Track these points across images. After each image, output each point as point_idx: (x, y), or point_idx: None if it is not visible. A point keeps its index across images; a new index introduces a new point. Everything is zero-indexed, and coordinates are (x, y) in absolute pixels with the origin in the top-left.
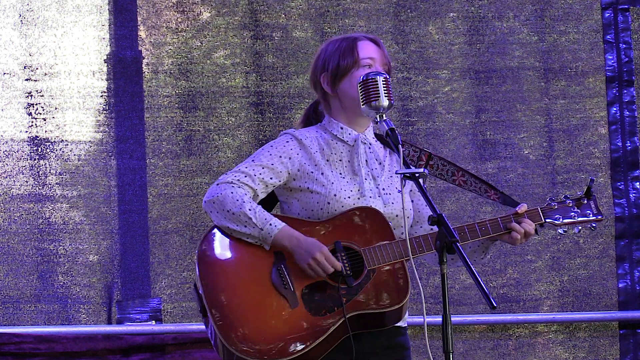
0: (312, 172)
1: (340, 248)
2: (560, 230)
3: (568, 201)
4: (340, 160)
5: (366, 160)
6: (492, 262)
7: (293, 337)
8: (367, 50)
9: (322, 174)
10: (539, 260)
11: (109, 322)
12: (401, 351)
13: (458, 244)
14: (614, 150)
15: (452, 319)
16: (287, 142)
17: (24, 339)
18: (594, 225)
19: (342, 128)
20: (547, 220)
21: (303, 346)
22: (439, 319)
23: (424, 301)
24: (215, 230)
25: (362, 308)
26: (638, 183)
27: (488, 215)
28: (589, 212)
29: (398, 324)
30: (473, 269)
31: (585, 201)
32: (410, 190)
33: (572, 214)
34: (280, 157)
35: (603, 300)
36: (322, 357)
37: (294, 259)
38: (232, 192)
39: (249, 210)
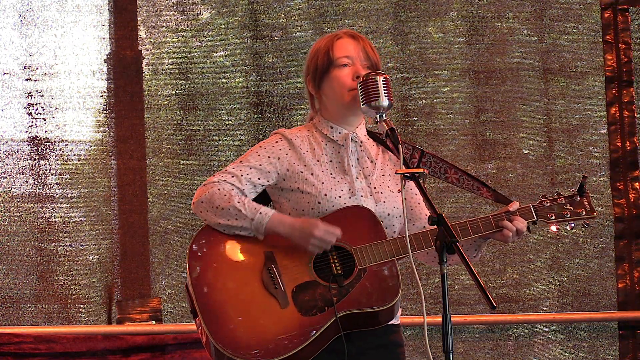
0: (301, 172)
1: (331, 247)
2: (553, 228)
3: (560, 198)
4: (330, 161)
5: (357, 159)
6: (491, 262)
7: (283, 337)
8: (343, 49)
9: (311, 174)
10: (538, 260)
11: (109, 322)
12: (395, 348)
13: (458, 244)
14: (613, 150)
15: (452, 319)
16: (277, 142)
17: (24, 339)
18: (587, 223)
19: (332, 127)
20: (540, 218)
21: (293, 346)
22: (439, 319)
23: (423, 301)
24: (206, 230)
25: (353, 307)
26: (637, 183)
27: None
28: (581, 209)
29: (390, 322)
30: (473, 269)
31: (578, 198)
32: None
33: (565, 211)
34: (269, 157)
35: (602, 300)
36: (313, 358)
37: (293, 242)
38: (219, 189)
39: (238, 202)
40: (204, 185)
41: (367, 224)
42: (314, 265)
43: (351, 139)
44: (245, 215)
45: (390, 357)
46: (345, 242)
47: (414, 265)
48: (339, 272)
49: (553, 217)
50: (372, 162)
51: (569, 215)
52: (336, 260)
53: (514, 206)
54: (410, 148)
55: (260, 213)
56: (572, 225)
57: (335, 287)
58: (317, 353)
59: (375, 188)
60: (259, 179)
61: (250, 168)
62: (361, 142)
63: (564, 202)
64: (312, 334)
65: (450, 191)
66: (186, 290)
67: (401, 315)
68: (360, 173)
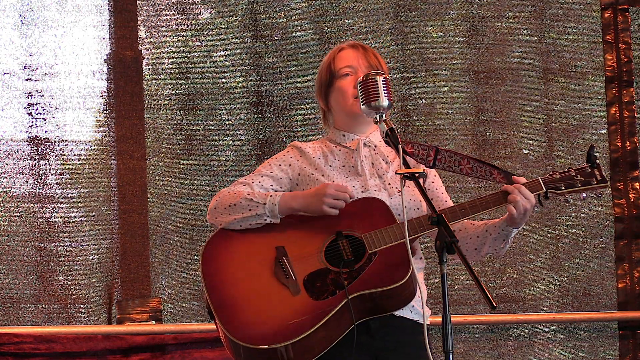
0: (312, 174)
1: (341, 236)
2: (563, 199)
3: (571, 171)
4: (343, 165)
5: (372, 163)
6: (491, 262)
7: (296, 321)
8: (344, 60)
9: (322, 175)
10: (538, 260)
11: (109, 322)
12: (423, 351)
13: (457, 244)
14: (613, 150)
15: (452, 319)
16: (288, 152)
17: (24, 339)
18: (600, 193)
19: (344, 135)
20: (549, 189)
21: (306, 328)
22: (438, 319)
23: (424, 301)
24: (218, 232)
25: (362, 289)
26: (637, 183)
27: (487, 215)
28: (592, 179)
29: (416, 319)
30: (472, 269)
31: (589, 169)
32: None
33: (576, 181)
34: (280, 165)
35: (602, 300)
36: (330, 350)
37: (310, 211)
38: (228, 192)
39: (247, 194)
40: (216, 195)
41: (379, 212)
42: (325, 255)
43: (364, 143)
44: (257, 202)
45: (420, 357)
46: (355, 230)
47: (412, 266)
48: (350, 258)
49: (563, 187)
50: (387, 163)
51: (579, 185)
52: (347, 248)
53: (521, 180)
54: (425, 149)
55: (271, 196)
56: (584, 195)
57: (347, 272)
58: (334, 342)
59: (389, 184)
60: (271, 185)
61: (262, 176)
62: (375, 146)
63: (574, 173)
64: (324, 315)
65: (450, 191)
66: (203, 295)
67: None
68: (374, 174)
